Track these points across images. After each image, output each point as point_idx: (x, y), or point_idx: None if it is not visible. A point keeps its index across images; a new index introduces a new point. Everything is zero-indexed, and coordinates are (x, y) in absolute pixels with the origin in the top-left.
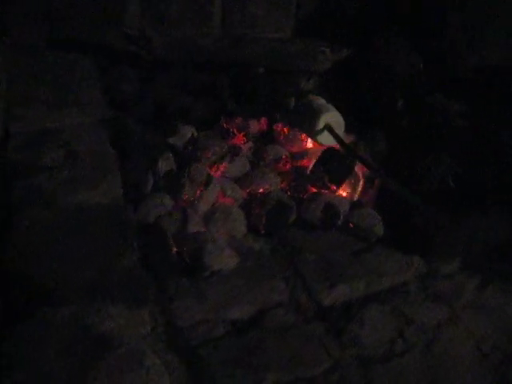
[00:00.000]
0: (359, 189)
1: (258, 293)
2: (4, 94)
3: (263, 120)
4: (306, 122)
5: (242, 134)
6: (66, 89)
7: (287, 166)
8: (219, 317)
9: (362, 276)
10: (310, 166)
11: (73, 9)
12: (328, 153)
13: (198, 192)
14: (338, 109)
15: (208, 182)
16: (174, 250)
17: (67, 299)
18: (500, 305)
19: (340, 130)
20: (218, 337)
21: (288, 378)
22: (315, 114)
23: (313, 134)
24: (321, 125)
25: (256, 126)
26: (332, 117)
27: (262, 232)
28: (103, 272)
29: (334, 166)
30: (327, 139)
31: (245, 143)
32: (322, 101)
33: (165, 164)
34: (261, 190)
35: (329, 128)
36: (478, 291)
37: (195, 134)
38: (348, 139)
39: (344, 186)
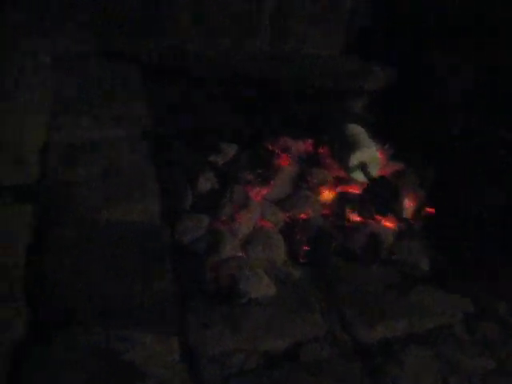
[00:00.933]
0: (406, 220)
1: (294, 325)
2: (49, 102)
3: (309, 141)
4: (341, 155)
5: (286, 154)
6: (109, 100)
7: (332, 192)
8: (253, 348)
9: (404, 314)
10: (356, 193)
11: (118, 19)
12: (376, 181)
13: (239, 215)
14: (385, 133)
15: (248, 204)
16: (210, 274)
17: (96, 323)
18: None
19: (375, 167)
20: (251, 369)
21: None
22: (350, 150)
23: (347, 169)
24: (354, 162)
25: (301, 147)
26: (367, 154)
27: (302, 260)
28: (135, 295)
29: (381, 194)
30: (360, 175)
31: (289, 164)
32: (359, 134)
33: (205, 183)
34: (302, 216)
35: (363, 167)
36: None
37: (239, 153)
38: (396, 166)
39: (389, 216)
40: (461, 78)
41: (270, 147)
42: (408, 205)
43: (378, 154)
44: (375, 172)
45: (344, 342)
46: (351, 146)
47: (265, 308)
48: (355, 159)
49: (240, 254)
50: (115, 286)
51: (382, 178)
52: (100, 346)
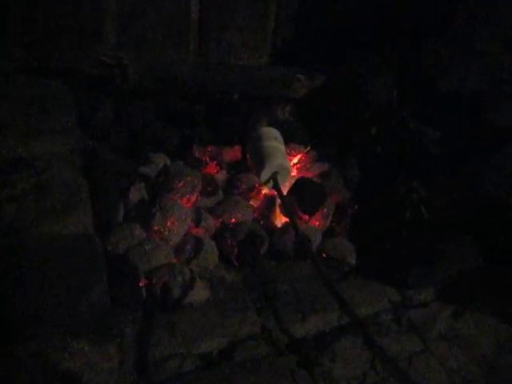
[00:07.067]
0: (331, 218)
1: (229, 325)
2: None
3: (237, 148)
4: (254, 169)
5: (214, 162)
6: (39, 116)
7: (260, 195)
8: (190, 350)
9: (334, 307)
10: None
11: (47, 33)
12: (301, 182)
13: (169, 223)
14: (311, 137)
15: (178, 212)
16: (144, 282)
17: (32, 335)
18: (473, 335)
19: (285, 176)
20: (188, 371)
21: None
22: (260, 165)
23: (260, 181)
24: (265, 177)
25: (229, 153)
26: (277, 165)
27: (235, 263)
28: (70, 306)
29: (306, 195)
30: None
31: (218, 172)
32: (271, 143)
33: (136, 193)
34: (233, 220)
35: (273, 178)
36: (452, 321)
37: (168, 162)
38: (321, 168)
39: (316, 215)
40: (379, 81)
41: (198, 155)
42: (334, 204)
43: (289, 164)
44: (285, 181)
45: (279, 337)
46: (262, 159)
47: (200, 311)
48: (266, 174)
49: (172, 261)
50: (50, 298)
51: (307, 179)
52: (34, 357)
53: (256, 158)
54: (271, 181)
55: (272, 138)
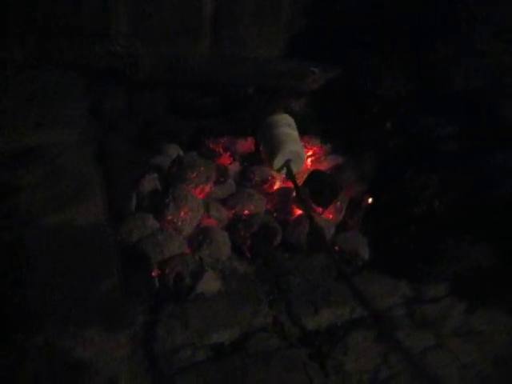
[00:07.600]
0: (345, 211)
1: (241, 316)
2: None
3: (250, 140)
4: (267, 158)
5: (228, 153)
6: (51, 106)
7: (274, 188)
8: (201, 341)
9: (347, 300)
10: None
11: (59, 24)
12: (315, 175)
13: (182, 213)
14: (326, 129)
15: (191, 203)
16: (157, 272)
17: (44, 324)
18: (486, 331)
19: (299, 163)
20: (200, 361)
21: None
22: (273, 153)
23: (274, 169)
24: (279, 165)
25: (243, 145)
26: (290, 151)
27: (248, 255)
28: (82, 295)
29: (320, 187)
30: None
31: (231, 163)
32: (284, 132)
33: (149, 184)
34: (246, 212)
35: (287, 165)
36: (465, 316)
37: (181, 153)
38: (336, 161)
39: (330, 208)
40: (392, 77)
41: (211, 146)
42: (348, 197)
43: (302, 149)
44: (299, 168)
45: (291, 330)
46: (275, 146)
47: (212, 302)
48: (279, 162)
49: (185, 252)
50: (62, 287)
51: (321, 172)
52: (47, 344)
53: (269, 146)
54: (285, 168)
55: (286, 125)
